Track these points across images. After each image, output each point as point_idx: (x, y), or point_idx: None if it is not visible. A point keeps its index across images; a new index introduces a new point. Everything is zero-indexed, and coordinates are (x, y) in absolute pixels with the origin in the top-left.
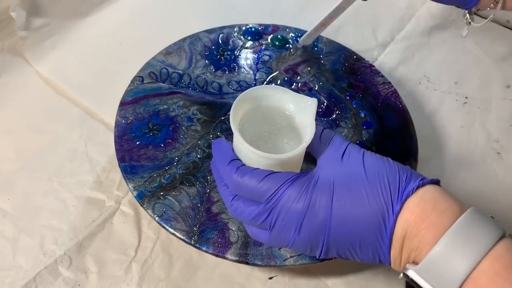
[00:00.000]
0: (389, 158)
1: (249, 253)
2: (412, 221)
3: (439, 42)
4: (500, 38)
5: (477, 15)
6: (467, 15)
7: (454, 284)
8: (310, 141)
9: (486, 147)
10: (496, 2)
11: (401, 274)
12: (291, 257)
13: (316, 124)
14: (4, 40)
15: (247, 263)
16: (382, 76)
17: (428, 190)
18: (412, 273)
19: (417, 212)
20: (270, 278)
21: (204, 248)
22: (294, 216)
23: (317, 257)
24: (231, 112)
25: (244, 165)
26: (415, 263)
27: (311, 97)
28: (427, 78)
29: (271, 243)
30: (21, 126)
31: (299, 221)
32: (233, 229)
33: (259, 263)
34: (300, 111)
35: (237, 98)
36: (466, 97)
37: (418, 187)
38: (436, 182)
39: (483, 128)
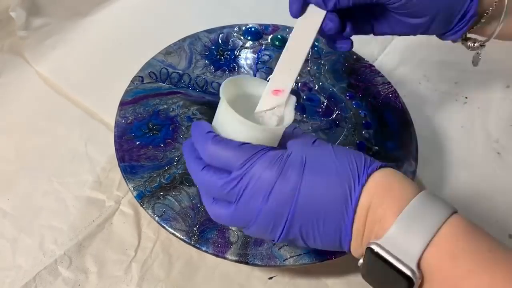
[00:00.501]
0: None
1: (249, 253)
2: (377, 192)
3: (439, 42)
4: None
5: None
6: (466, 43)
7: (416, 253)
8: (290, 122)
9: (486, 147)
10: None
11: (360, 260)
12: (291, 257)
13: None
14: (4, 40)
15: (247, 263)
16: (382, 76)
17: (391, 171)
18: (375, 247)
19: (382, 184)
20: (270, 278)
21: (204, 248)
22: (264, 184)
23: (276, 239)
24: (221, 88)
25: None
26: (376, 239)
27: (311, 97)
28: (427, 78)
29: (233, 218)
30: (21, 126)
31: (268, 189)
32: (233, 229)
33: (259, 263)
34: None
35: (226, 79)
36: (466, 97)
37: (381, 167)
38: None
39: (483, 128)
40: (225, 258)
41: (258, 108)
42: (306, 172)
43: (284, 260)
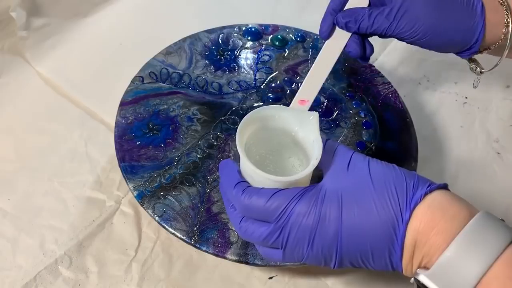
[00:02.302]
0: (395, 165)
1: (249, 253)
2: (421, 229)
3: None
4: None
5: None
6: (470, 64)
7: None
8: (319, 159)
9: (486, 147)
10: (506, 33)
11: (412, 279)
12: None
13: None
14: (4, 40)
15: (247, 263)
16: (382, 76)
17: (436, 197)
18: (423, 278)
19: (426, 220)
20: (270, 278)
21: (204, 248)
22: (305, 232)
23: (332, 268)
24: (237, 135)
25: (250, 186)
26: (426, 268)
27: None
28: (427, 78)
29: (285, 261)
30: (21, 126)
31: (311, 236)
32: (233, 229)
33: (259, 263)
34: (302, 126)
35: (241, 122)
36: (466, 97)
37: (425, 194)
38: (444, 187)
39: (483, 128)
40: (225, 258)
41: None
42: (344, 214)
43: None
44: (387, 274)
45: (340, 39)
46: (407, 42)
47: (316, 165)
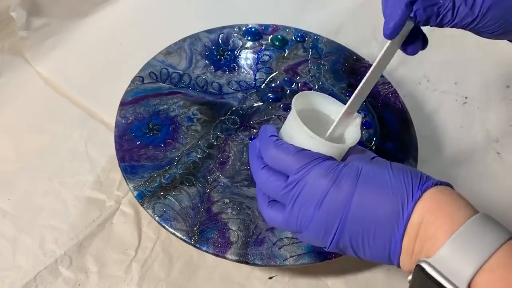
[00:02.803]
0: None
1: (249, 253)
2: (430, 208)
3: (439, 42)
4: None
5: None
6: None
7: (467, 275)
8: (356, 142)
9: (486, 147)
10: None
11: (410, 276)
12: (291, 257)
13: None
14: (4, 40)
15: (247, 263)
16: (382, 76)
17: (446, 188)
18: (425, 265)
19: (436, 201)
20: (270, 278)
21: (204, 248)
22: (318, 190)
23: (327, 246)
24: (294, 100)
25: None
26: (426, 256)
27: None
28: (427, 78)
29: (287, 223)
30: (21, 126)
31: (321, 196)
32: (233, 229)
33: (259, 263)
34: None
35: (300, 93)
36: (466, 97)
37: (437, 184)
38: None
39: (483, 128)
40: (225, 258)
41: (333, 128)
42: (359, 183)
43: (284, 260)
44: (387, 274)
45: (401, 36)
46: (484, 36)
47: (353, 144)
